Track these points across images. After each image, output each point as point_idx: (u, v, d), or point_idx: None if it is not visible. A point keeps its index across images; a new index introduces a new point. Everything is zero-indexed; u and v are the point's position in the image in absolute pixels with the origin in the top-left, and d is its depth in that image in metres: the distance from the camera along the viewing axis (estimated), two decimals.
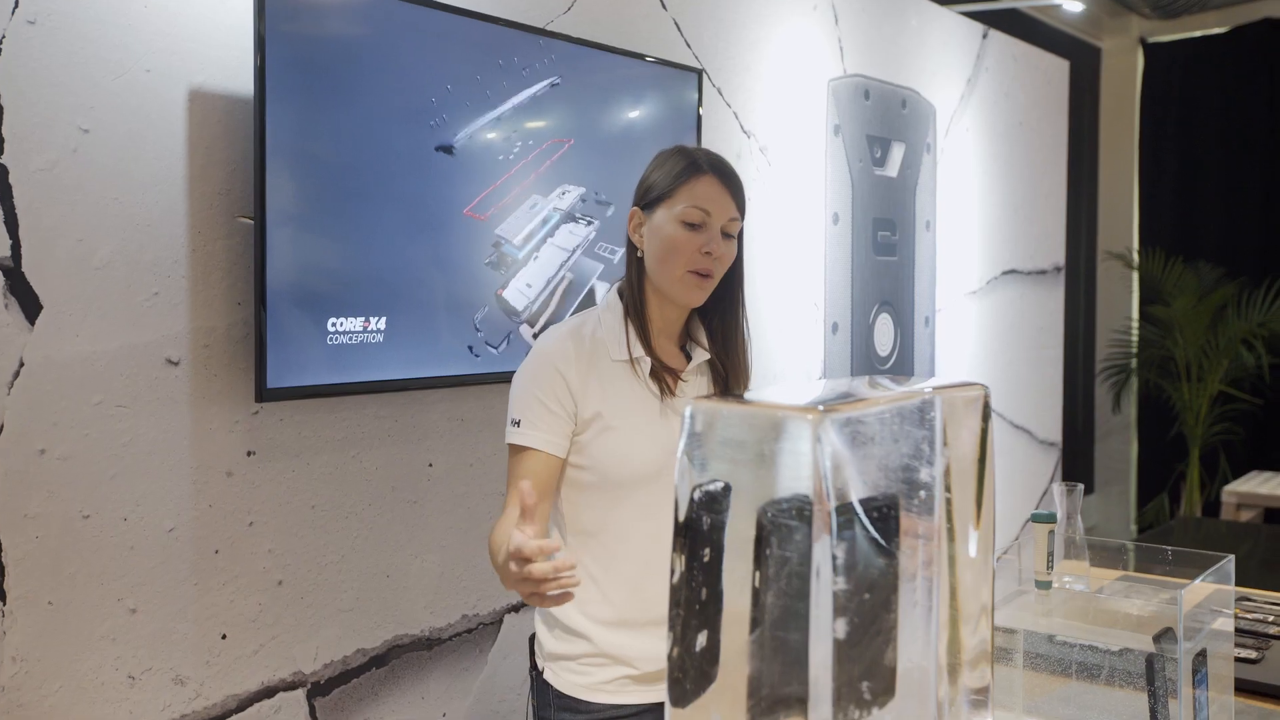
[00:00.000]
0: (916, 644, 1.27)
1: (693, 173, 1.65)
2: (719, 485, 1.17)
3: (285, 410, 2.19)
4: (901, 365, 4.02)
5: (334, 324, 2.15)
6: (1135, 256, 6.09)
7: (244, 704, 2.16)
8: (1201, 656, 1.80)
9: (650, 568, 1.68)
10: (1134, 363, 5.94)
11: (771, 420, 1.11)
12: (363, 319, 2.20)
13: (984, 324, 4.60)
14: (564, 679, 1.71)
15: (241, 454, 2.13)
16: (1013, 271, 4.77)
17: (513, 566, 1.38)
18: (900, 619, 1.23)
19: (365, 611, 2.36)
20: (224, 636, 2.12)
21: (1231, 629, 1.93)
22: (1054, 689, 2.00)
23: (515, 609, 2.67)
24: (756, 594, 1.15)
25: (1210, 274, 5.73)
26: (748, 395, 1.17)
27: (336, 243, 2.17)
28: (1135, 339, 6.01)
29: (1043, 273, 5.00)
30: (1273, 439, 5.77)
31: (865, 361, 3.83)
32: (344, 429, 2.30)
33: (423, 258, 2.31)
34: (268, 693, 2.19)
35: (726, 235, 1.66)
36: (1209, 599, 1.89)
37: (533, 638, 1.80)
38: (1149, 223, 6.31)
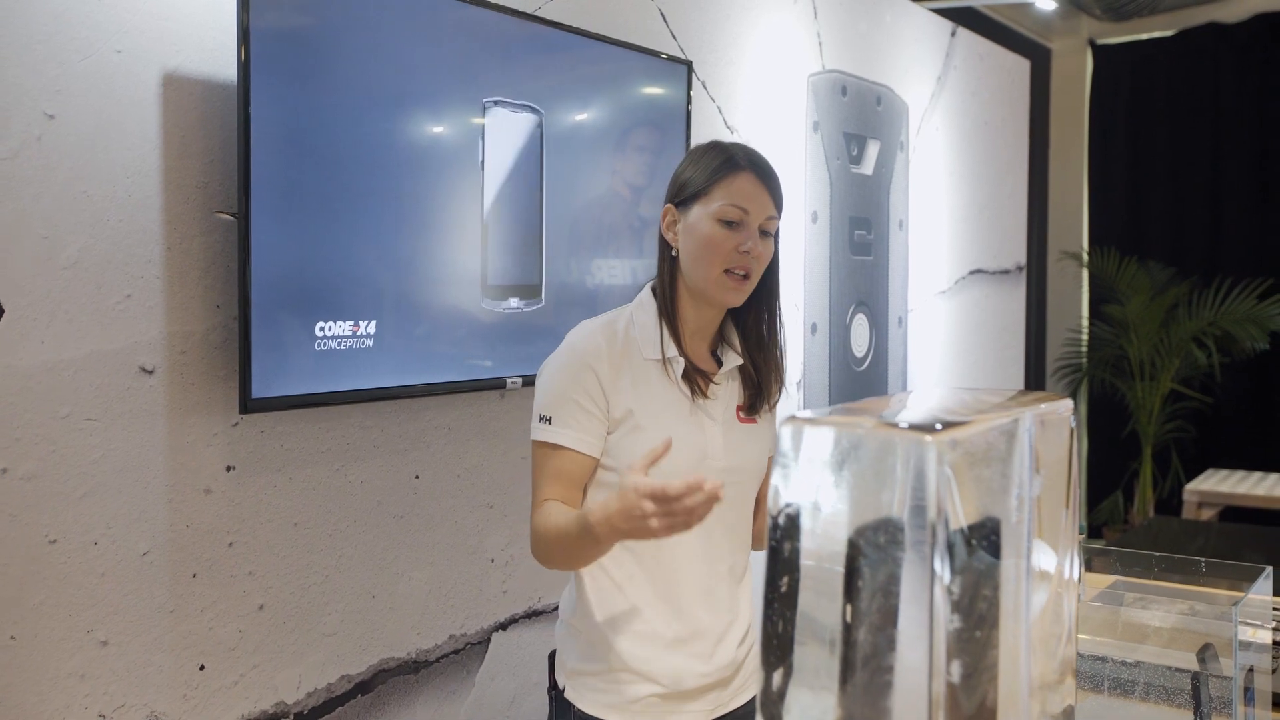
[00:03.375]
0: (1017, 678, 1.17)
1: (730, 169, 1.57)
2: (800, 507, 1.06)
3: (266, 421, 2.03)
4: (876, 366, 3.95)
5: (322, 328, 2.00)
6: (1085, 256, 6.12)
7: None
8: (1250, 674, 1.74)
9: (681, 580, 1.59)
10: (1085, 362, 5.96)
11: (885, 440, 1.00)
12: (352, 323, 2.05)
13: (952, 324, 4.55)
14: (587, 697, 1.60)
15: (220, 469, 1.97)
16: (979, 271, 4.74)
17: (648, 505, 1.30)
18: (1000, 653, 1.14)
19: (350, 635, 2.20)
20: (202, 668, 1.96)
21: (1269, 640, 1.87)
22: (1079, 702, 1.93)
23: (504, 626, 2.53)
24: (847, 630, 1.04)
25: (1161, 273, 5.77)
26: (846, 411, 1.06)
27: (324, 241, 2.01)
28: (1086, 338, 6.04)
29: (1006, 272, 4.98)
30: (1223, 437, 5.83)
31: (843, 363, 3.75)
32: (328, 441, 2.15)
33: (414, 256, 2.17)
34: None
35: (764, 234, 1.59)
36: (1249, 612, 1.82)
37: (552, 655, 1.68)
38: (1099, 223, 6.35)
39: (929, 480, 0.95)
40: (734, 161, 1.57)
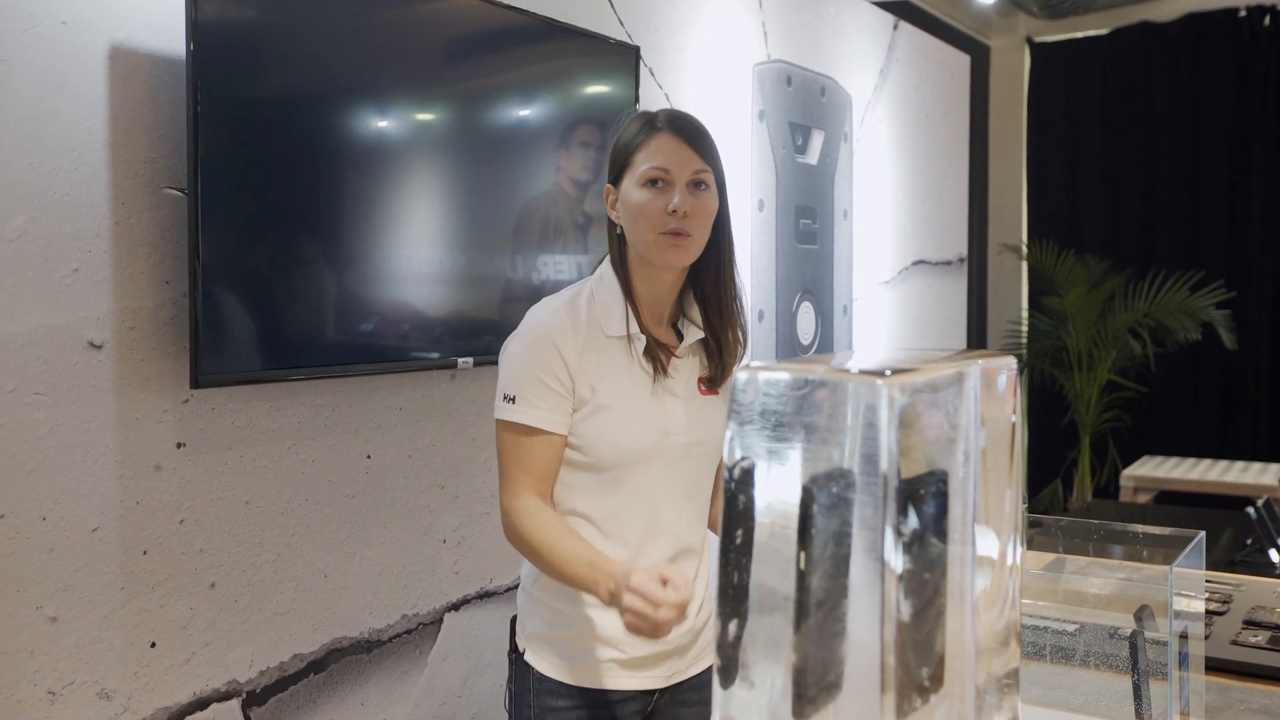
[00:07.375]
0: (963, 629, 1.21)
1: (648, 133, 1.58)
2: (754, 458, 1.09)
3: (217, 398, 2.02)
4: (822, 354, 4.01)
5: (274, 305, 1.99)
6: (1025, 249, 6.24)
7: (175, 717, 1.98)
8: (1184, 637, 1.79)
9: (641, 550, 1.61)
10: (1025, 353, 6.08)
11: (837, 385, 1.03)
12: (304, 300, 2.04)
13: (896, 314, 4.63)
14: (547, 660, 1.62)
15: (171, 446, 1.96)
16: (922, 262, 4.82)
17: (632, 601, 1.36)
18: (947, 603, 1.17)
19: (302, 614, 2.20)
20: (153, 645, 1.94)
21: (1202, 609, 1.93)
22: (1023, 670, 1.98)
23: (456, 607, 2.54)
24: (801, 576, 1.06)
25: (1098, 266, 5.89)
26: (801, 361, 1.09)
27: (276, 217, 2.00)
28: (1026, 329, 6.15)
29: (948, 263, 5.07)
30: (1157, 425, 5.98)
31: (789, 350, 3.80)
32: (279, 419, 2.14)
33: (366, 235, 2.17)
34: (200, 704, 2.02)
35: (699, 186, 1.57)
36: (1184, 584, 1.88)
37: (514, 620, 1.69)
38: (1037, 216, 6.47)
39: (881, 423, 0.98)
40: (651, 124, 1.58)
